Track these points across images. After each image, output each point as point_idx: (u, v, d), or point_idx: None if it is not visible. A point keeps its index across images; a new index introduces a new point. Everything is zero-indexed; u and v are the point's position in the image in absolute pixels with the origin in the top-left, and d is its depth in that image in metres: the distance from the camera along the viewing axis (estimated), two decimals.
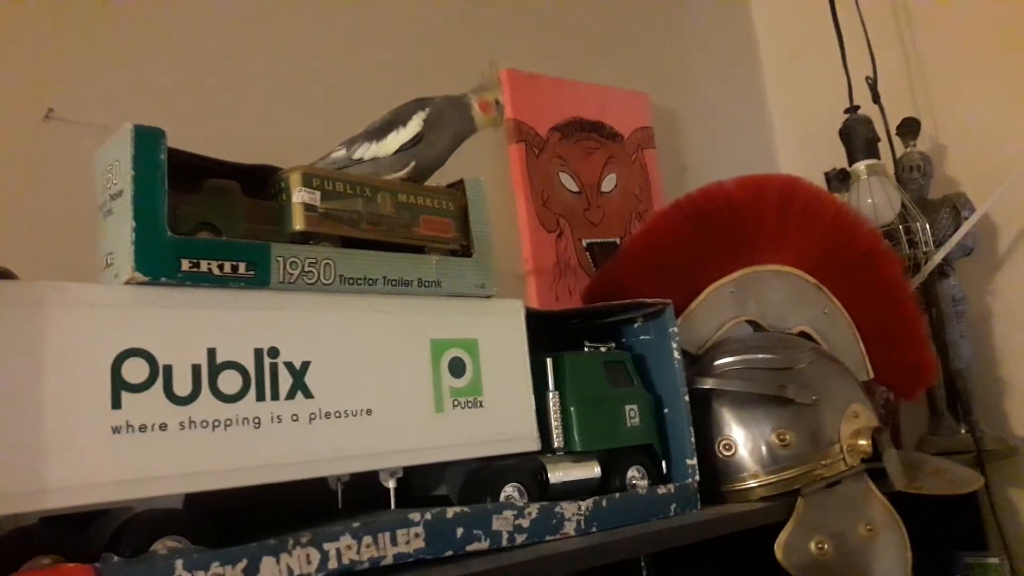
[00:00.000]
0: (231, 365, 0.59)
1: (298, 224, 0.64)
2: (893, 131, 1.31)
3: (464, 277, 0.72)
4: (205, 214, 0.61)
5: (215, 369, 0.59)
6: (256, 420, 0.60)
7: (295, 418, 0.61)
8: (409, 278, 0.68)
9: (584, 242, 1.29)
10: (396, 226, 0.69)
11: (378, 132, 0.78)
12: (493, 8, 1.29)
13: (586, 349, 0.82)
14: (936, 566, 1.04)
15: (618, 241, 1.34)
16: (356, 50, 1.12)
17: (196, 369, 0.58)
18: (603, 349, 0.82)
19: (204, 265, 0.58)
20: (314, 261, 0.63)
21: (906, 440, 1.20)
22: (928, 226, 1.19)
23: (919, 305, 1.09)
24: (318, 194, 0.65)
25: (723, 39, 1.68)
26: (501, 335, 0.74)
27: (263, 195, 0.66)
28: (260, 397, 0.60)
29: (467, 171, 0.77)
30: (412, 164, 0.75)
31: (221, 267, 0.59)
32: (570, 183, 1.30)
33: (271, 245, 0.61)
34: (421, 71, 1.18)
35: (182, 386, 0.57)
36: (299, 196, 0.64)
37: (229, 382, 0.59)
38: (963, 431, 1.19)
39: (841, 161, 1.35)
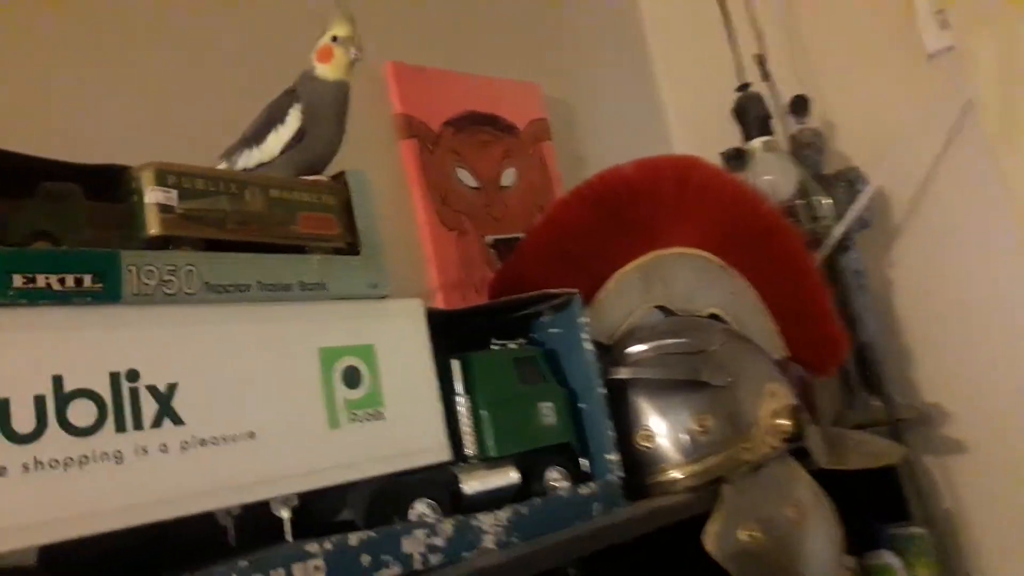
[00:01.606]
0: (82, 393, 0.51)
1: (153, 228, 0.56)
2: (784, 109, 1.31)
3: (353, 277, 0.66)
4: (40, 222, 0.53)
5: (63, 399, 0.50)
6: (117, 454, 0.52)
7: (164, 448, 0.53)
8: (288, 281, 0.61)
9: (488, 239, 1.24)
10: (270, 225, 0.62)
11: (256, 135, 0.71)
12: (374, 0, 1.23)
13: (494, 347, 0.76)
14: (862, 540, 1.03)
15: (522, 236, 1.29)
16: (222, 39, 1.03)
17: (39, 401, 0.49)
18: (512, 346, 0.77)
19: (41, 280, 0.50)
20: (173, 268, 0.56)
21: (823, 418, 1.20)
22: (826, 201, 1.19)
23: (824, 280, 1.08)
24: (175, 193, 0.57)
25: (610, 26, 1.67)
26: (400, 339, 0.68)
27: (112, 199, 0.58)
28: (120, 427, 0.52)
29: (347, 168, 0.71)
30: (303, 161, 0.69)
31: (62, 281, 0.51)
32: (468, 179, 1.24)
33: (120, 253, 0.53)
34: (296, 65, 1.10)
35: (23, 422, 0.49)
36: (152, 196, 0.56)
37: (81, 413, 0.51)
38: (877, 403, 1.20)
39: (736, 142, 1.34)
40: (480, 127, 1.28)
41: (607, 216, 0.92)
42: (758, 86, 1.31)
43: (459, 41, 1.33)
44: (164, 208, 0.57)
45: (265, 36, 1.07)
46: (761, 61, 1.28)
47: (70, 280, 0.51)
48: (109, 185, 0.57)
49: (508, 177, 1.30)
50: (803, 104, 1.30)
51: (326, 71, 0.71)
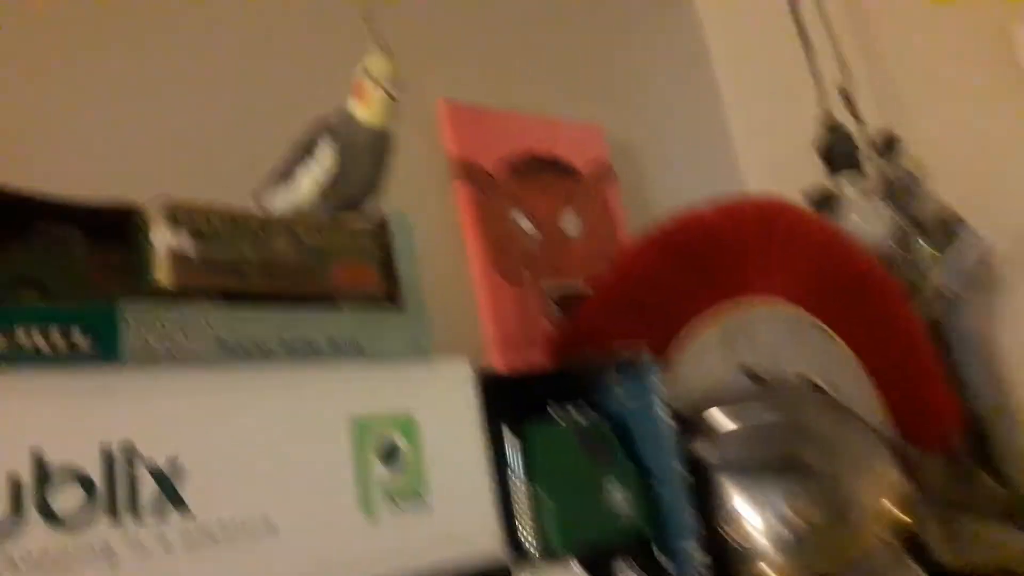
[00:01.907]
0: (68, 473, 0.43)
1: (162, 276, 0.48)
2: (869, 147, 1.20)
3: (392, 334, 0.57)
4: (29, 268, 0.45)
5: (44, 479, 0.42)
6: (109, 551, 0.43)
7: (166, 544, 0.44)
8: (317, 339, 0.53)
9: (548, 289, 1.14)
10: (299, 274, 0.54)
11: (286, 171, 0.64)
12: (426, 35, 1.16)
13: (555, 418, 0.66)
14: None
15: (588, 287, 1.19)
16: (270, 77, 0.97)
17: (14, 482, 0.41)
18: (576, 416, 0.67)
19: (23, 337, 0.42)
20: (183, 324, 0.47)
21: (933, 501, 1.06)
22: (928, 249, 1.07)
23: (929, 340, 0.95)
24: (188, 236, 0.49)
25: (675, 61, 1.58)
26: (446, 408, 0.58)
27: (117, 243, 0.50)
28: (114, 515, 0.43)
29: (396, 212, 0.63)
30: (338, 203, 0.61)
31: (48, 338, 0.43)
32: (527, 225, 1.15)
33: (120, 306, 0.45)
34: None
35: None
36: (163, 239, 0.48)
37: (66, 497, 0.42)
38: (991, 483, 1.05)
39: (816, 181, 1.23)
40: (539, 170, 1.20)
41: (683, 265, 0.82)
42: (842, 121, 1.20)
43: (516, 79, 1.26)
44: (176, 254, 0.49)
45: (299, 58, 1.01)
46: (846, 95, 1.17)
47: (57, 337, 0.43)
48: (113, 227, 0.49)
49: (570, 223, 1.21)
50: (891, 142, 1.18)
51: (361, 111, 0.63)
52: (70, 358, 0.43)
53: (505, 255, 1.12)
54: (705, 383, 0.81)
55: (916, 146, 1.30)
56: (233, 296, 0.50)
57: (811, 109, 1.25)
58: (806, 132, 1.29)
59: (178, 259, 0.48)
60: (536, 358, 1.10)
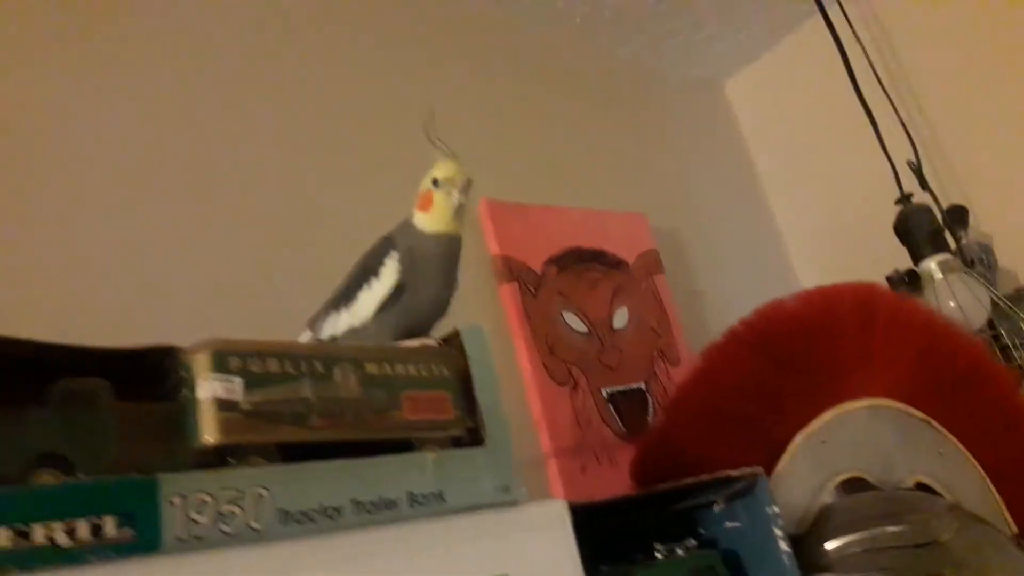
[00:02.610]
0: None
1: (210, 434, 0.40)
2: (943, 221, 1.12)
3: (477, 478, 0.48)
4: (50, 440, 0.37)
5: None
6: None
7: None
8: (394, 495, 0.44)
9: (604, 392, 1.05)
10: (366, 414, 0.45)
11: (346, 294, 0.57)
12: (464, 136, 1.11)
13: (658, 556, 0.56)
14: None
15: (643, 386, 1.10)
16: (309, 192, 0.91)
17: None
18: (682, 552, 0.57)
19: (41, 533, 0.34)
20: (237, 494, 0.39)
21: None
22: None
23: None
24: (239, 382, 0.41)
25: (711, 149, 1.53)
26: (541, 560, 0.49)
27: (152, 394, 0.42)
28: None
29: (450, 323, 0.55)
30: (403, 324, 0.54)
31: (72, 532, 0.34)
32: (577, 323, 1.07)
33: (159, 480, 0.37)
34: (386, 213, 0.98)
35: None
36: (209, 388, 0.40)
37: None
38: None
39: (866, 263, 1.15)
40: (586, 264, 1.13)
41: (773, 364, 0.73)
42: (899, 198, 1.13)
43: (555, 173, 1.20)
44: (225, 404, 0.40)
45: (354, 180, 0.95)
46: (916, 168, 1.10)
47: (84, 529, 0.34)
48: (149, 376, 0.41)
49: (620, 318, 1.13)
50: (962, 215, 1.11)
51: (425, 221, 0.58)
52: (100, 552, 0.34)
53: (556, 357, 1.03)
54: (812, 498, 0.71)
55: (980, 217, 1.23)
56: (292, 450, 0.42)
57: (855, 188, 1.19)
58: (854, 212, 1.23)
59: (227, 410, 0.40)
60: (595, 468, 1.00)
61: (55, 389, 0.38)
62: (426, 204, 0.58)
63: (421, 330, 0.56)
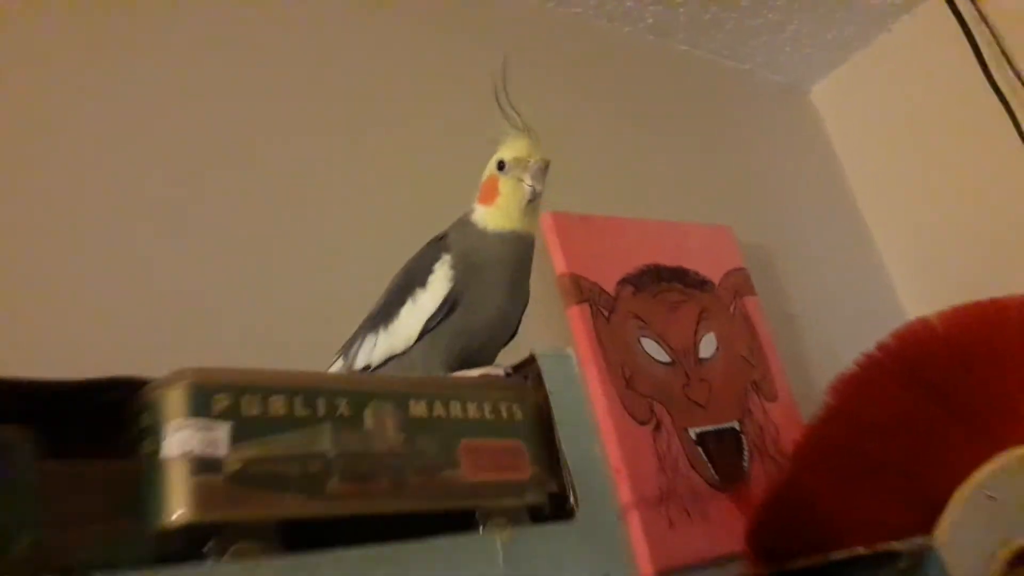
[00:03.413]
0: None
1: (180, 509, 0.27)
2: None
3: (566, 565, 0.34)
4: None
5: None
6: None
7: None
8: None
9: (692, 432, 0.90)
10: (409, 475, 0.32)
11: (385, 312, 0.44)
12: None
13: None
14: None
15: (736, 426, 0.95)
16: (359, 203, 0.79)
17: None
18: None
19: None
20: None
21: None
22: None
23: None
24: (226, 429, 0.28)
25: (800, 159, 1.38)
26: None
27: (100, 449, 0.29)
28: None
29: (510, 352, 0.43)
30: (458, 347, 0.41)
31: None
32: (658, 351, 0.93)
33: None
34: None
35: None
36: (181, 440, 0.28)
37: None
38: None
39: (979, 282, 0.98)
40: (666, 283, 0.98)
41: (924, 398, 0.58)
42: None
43: (627, 183, 1.07)
44: (203, 464, 0.28)
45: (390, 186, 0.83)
46: None
47: None
48: (97, 423, 0.29)
49: (707, 346, 0.98)
50: None
51: (488, 217, 0.46)
52: None
53: (634, 391, 0.89)
54: (986, 565, 0.55)
55: None
56: (302, 530, 0.29)
57: (968, 197, 1.03)
58: (954, 220, 1.07)
59: (206, 472, 0.27)
60: (687, 526, 0.85)
61: None
62: (490, 195, 0.45)
63: (482, 356, 0.43)
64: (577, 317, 0.88)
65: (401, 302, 0.44)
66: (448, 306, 0.43)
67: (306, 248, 0.72)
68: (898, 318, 1.31)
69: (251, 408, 0.29)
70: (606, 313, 0.91)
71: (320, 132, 0.80)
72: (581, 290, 0.90)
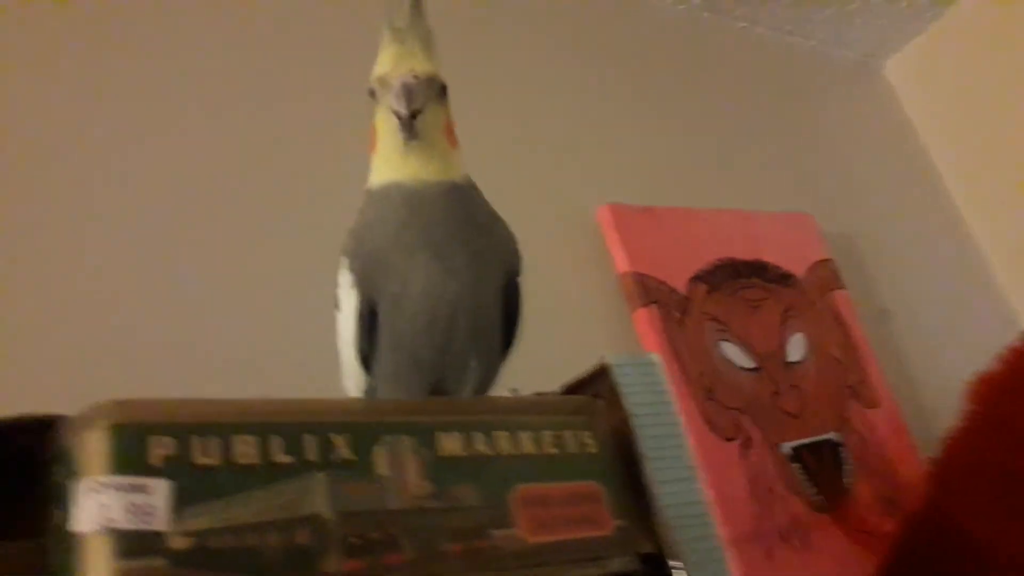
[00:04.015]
0: None
1: None
2: None
3: None
4: None
5: None
6: None
7: None
8: None
9: (785, 447, 0.79)
10: (440, 540, 0.22)
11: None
12: (580, 131, 0.89)
13: None
14: None
15: (835, 437, 0.83)
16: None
17: None
18: None
19: None
20: None
21: None
22: None
23: None
24: (163, 489, 0.19)
25: (877, 139, 1.25)
26: None
27: (11, 515, 0.20)
28: None
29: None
30: (407, 363, 0.31)
31: None
32: (740, 356, 0.82)
33: None
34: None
35: None
36: (100, 509, 0.19)
37: None
38: None
39: None
40: (744, 279, 0.87)
41: None
42: None
43: (691, 171, 0.96)
44: (131, 543, 0.18)
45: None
46: None
47: None
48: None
49: (796, 347, 0.86)
50: None
51: (375, 168, 0.33)
52: None
53: (717, 402, 0.78)
54: None
55: None
56: None
57: None
58: None
59: (136, 555, 0.18)
60: (784, 556, 0.73)
61: None
62: (372, 138, 0.33)
63: (454, 360, 0.31)
64: (645, 321, 0.78)
65: (337, 336, 0.35)
66: (367, 319, 0.32)
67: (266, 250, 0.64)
68: (1001, 306, 1.19)
69: (205, 455, 0.20)
70: (678, 315, 0.80)
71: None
72: (647, 290, 0.79)
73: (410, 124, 0.30)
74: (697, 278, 0.84)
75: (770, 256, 0.91)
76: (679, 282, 0.82)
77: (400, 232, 0.31)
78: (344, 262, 0.33)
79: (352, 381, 0.33)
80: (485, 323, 0.32)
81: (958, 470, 0.49)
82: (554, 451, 0.25)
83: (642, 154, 0.92)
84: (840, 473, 0.82)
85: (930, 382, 0.99)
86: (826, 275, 0.94)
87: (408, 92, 0.30)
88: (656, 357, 0.28)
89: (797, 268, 0.92)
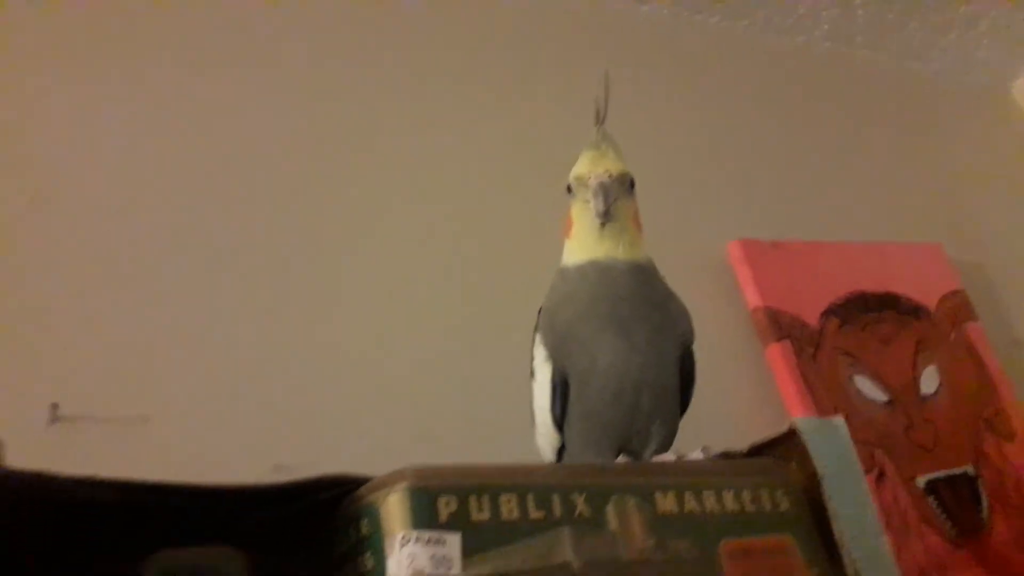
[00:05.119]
0: None
1: None
2: None
3: None
4: None
5: None
6: None
7: None
8: None
9: (920, 481, 0.79)
10: None
11: (533, 419, 0.40)
12: (704, 167, 0.91)
13: None
14: None
15: (971, 471, 0.83)
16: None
17: None
18: None
19: None
20: None
21: None
22: None
23: None
24: (455, 540, 0.24)
25: (1007, 165, 1.22)
26: None
27: (316, 559, 0.25)
28: None
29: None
30: (597, 428, 0.35)
31: None
32: (873, 390, 0.82)
33: None
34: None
35: None
36: (410, 558, 0.23)
37: None
38: None
39: None
40: (875, 313, 0.88)
41: None
42: None
43: (817, 203, 0.97)
44: None
45: None
46: None
47: None
48: (301, 536, 0.25)
49: (929, 380, 0.86)
50: None
51: (567, 251, 0.39)
52: None
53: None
54: None
55: None
56: None
57: None
58: None
59: None
60: None
61: (150, 567, 0.22)
62: (567, 225, 0.39)
63: (638, 424, 0.36)
64: (778, 356, 0.80)
65: (532, 401, 0.40)
66: (560, 388, 0.36)
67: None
68: None
69: (480, 512, 0.24)
70: (811, 350, 0.82)
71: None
72: (780, 325, 0.81)
73: (606, 212, 0.35)
74: (829, 312, 0.85)
75: (901, 288, 0.91)
76: (811, 316, 0.84)
77: (590, 306, 0.36)
78: (538, 337, 0.37)
79: (546, 440, 0.38)
80: (665, 392, 0.36)
81: None
82: (752, 508, 0.29)
83: (771, 188, 0.94)
84: (977, 507, 0.81)
85: None
86: (958, 306, 0.94)
87: (605, 190, 0.36)
88: (842, 421, 0.31)
89: (928, 300, 0.92)
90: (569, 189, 0.38)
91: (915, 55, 1.23)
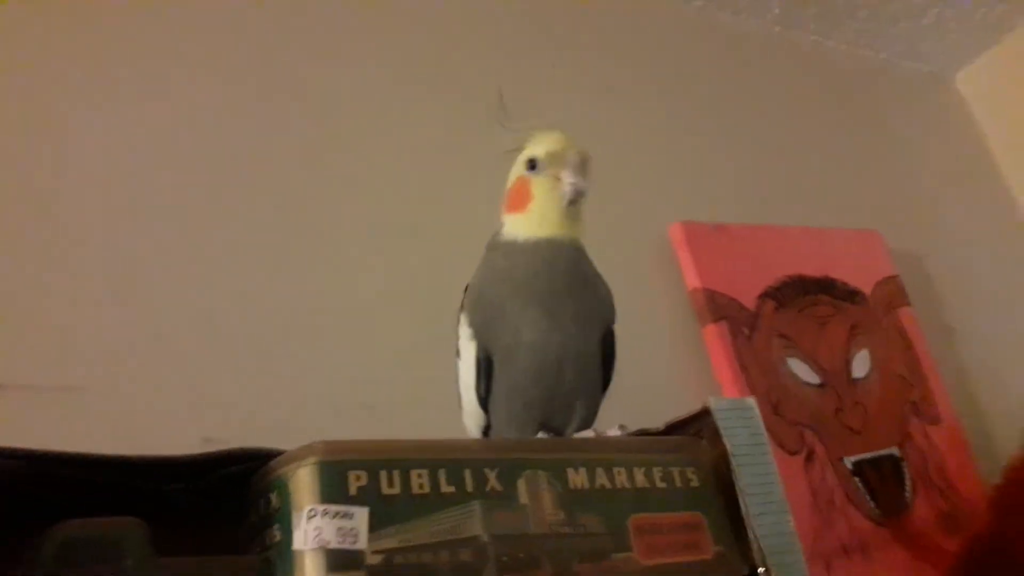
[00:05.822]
0: None
1: None
2: None
3: None
4: None
5: None
6: None
7: None
8: None
9: (847, 462, 0.82)
10: (573, 561, 0.27)
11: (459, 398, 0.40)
12: (649, 148, 0.92)
13: None
14: None
15: (896, 452, 0.85)
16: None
17: None
18: None
19: None
20: None
21: None
22: None
23: None
24: (362, 515, 0.24)
25: (948, 154, 1.25)
26: None
27: (216, 541, 0.25)
28: None
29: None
30: (520, 406, 0.35)
31: None
32: (807, 372, 0.85)
33: None
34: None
35: None
36: (316, 531, 0.23)
37: None
38: None
39: None
40: (812, 296, 0.90)
41: None
42: None
43: (760, 187, 0.99)
44: (339, 559, 0.23)
45: None
46: None
47: None
48: (211, 508, 0.25)
49: (861, 364, 0.89)
50: None
51: (519, 225, 0.38)
52: None
53: (782, 417, 0.81)
54: None
55: None
56: None
57: None
58: None
59: (345, 570, 0.23)
60: (847, 568, 0.76)
61: (49, 538, 0.22)
62: (520, 199, 0.38)
63: (562, 404, 0.37)
64: (714, 336, 0.81)
65: (457, 380, 0.40)
66: (485, 366, 0.37)
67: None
68: None
69: (391, 487, 0.25)
70: (747, 331, 0.83)
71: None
72: (717, 306, 0.83)
73: (581, 197, 0.37)
74: (766, 295, 0.87)
75: (838, 273, 0.93)
76: (748, 298, 0.85)
77: (526, 283, 0.36)
78: (463, 316, 0.38)
79: (472, 420, 0.39)
80: (587, 370, 0.37)
81: (1020, 497, 0.52)
82: (663, 485, 0.30)
83: (713, 171, 0.95)
84: (901, 488, 0.84)
85: (994, 401, 1.01)
86: (892, 292, 0.96)
87: (584, 170, 0.37)
88: (752, 401, 0.32)
89: (864, 285, 0.95)
90: (533, 165, 0.38)
91: (864, 43, 1.25)
